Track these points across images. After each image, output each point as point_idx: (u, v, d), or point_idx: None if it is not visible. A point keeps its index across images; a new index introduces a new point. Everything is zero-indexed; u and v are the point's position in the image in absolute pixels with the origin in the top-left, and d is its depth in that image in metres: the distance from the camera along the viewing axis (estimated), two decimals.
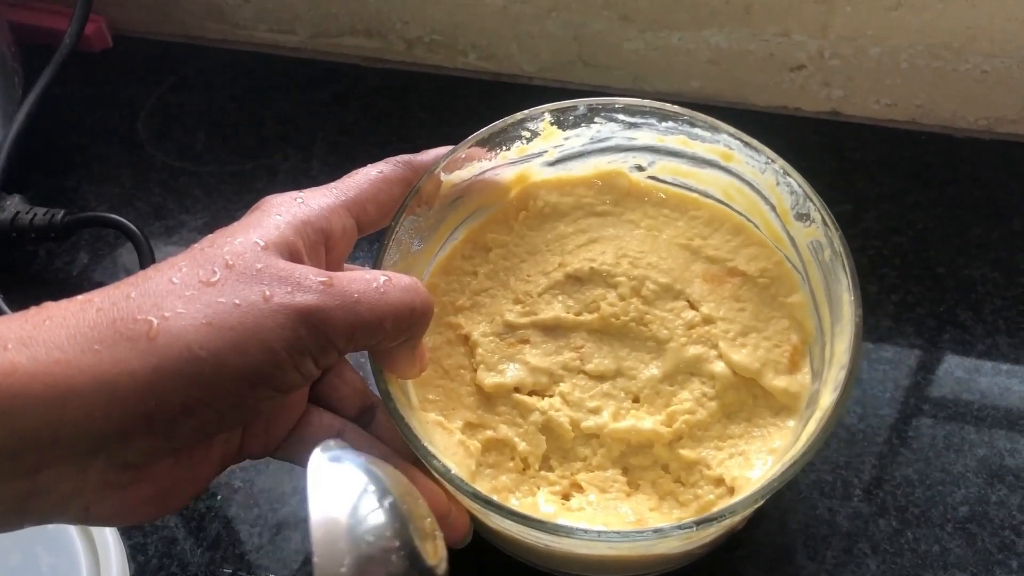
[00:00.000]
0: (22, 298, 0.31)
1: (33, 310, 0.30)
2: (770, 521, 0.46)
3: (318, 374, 0.33)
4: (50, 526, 0.43)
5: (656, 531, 0.35)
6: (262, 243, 0.33)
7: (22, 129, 0.57)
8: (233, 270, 0.32)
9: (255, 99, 0.66)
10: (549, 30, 0.63)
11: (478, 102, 0.66)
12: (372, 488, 0.31)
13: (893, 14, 0.57)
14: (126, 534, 0.46)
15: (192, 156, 0.63)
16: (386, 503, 0.31)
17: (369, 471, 0.32)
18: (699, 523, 0.34)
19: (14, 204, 0.55)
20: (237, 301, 0.31)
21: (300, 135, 0.63)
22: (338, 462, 0.32)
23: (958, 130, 0.62)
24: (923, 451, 0.48)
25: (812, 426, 0.36)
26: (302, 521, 0.46)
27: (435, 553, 0.33)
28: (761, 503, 0.37)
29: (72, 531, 0.43)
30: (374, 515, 0.30)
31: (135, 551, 0.45)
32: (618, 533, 0.35)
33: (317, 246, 0.35)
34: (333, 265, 0.37)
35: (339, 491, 0.30)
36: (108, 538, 0.43)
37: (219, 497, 0.47)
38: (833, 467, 0.47)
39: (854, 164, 0.60)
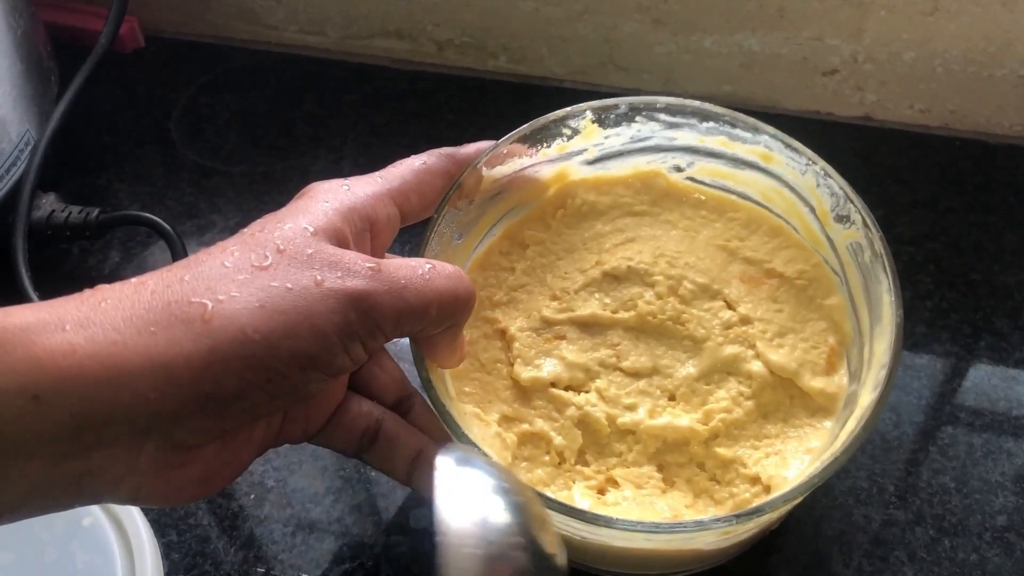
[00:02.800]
0: (56, 296, 0.31)
1: (88, 292, 0.30)
2: (805, 527, 0.45)
3: (366, 359, 0.34)
4: (85, 523, 0.44)
5: (696, 523, 0.35)
6: (311, 229, 0.33)
7: (57, 128, 0.57)
8: (284, 255, 0.32)
9: (286, 100, 0.66)
10: (580, 33, 0.63)
11: (508, 105, 0.65)
12: (496, 488, 0.31)
13: (929, 19, 0.57)
14: (160, 532, 0.46)
15: (223, 156, 0.63)
16: (510, 501, 0.31)
17: (490, 471, 0.32)
18: (739, 516, 0.35)
19: (49, 202, 0.55)
20: (289, 285, 0.31)
21: (331, 136, 0.64)
22: (465, 465, 0.32)
23: (992, 136, 0.62)
24: (959, 459, 0.48)
25: (852, 424, 0.37)
26: (335, 521, 0.46)
27: (552, 543, 0.33)
28: (799, 500, 0.36)
29: (107, 528, 0.43)
30: (501, 515, 0.31)
31: (169, 549, 0.46)
32: (657, 524, 0.35)
33: (363, 233, 0.36)
34: (376, 253, 0.37)
35: (466, 494, 0.30)
36: (143, 535, 0.43)
37: (252, 496, 0.47)
38: (868, 474, 0.47)
39: (887, 169, 0.60)
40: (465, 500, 0.30)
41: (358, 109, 0.65)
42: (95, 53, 0.59)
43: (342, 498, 0.47)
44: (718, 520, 0.35)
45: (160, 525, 0.46)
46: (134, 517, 0.44)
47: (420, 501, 0.46)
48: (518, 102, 0.66)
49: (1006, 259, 0.55)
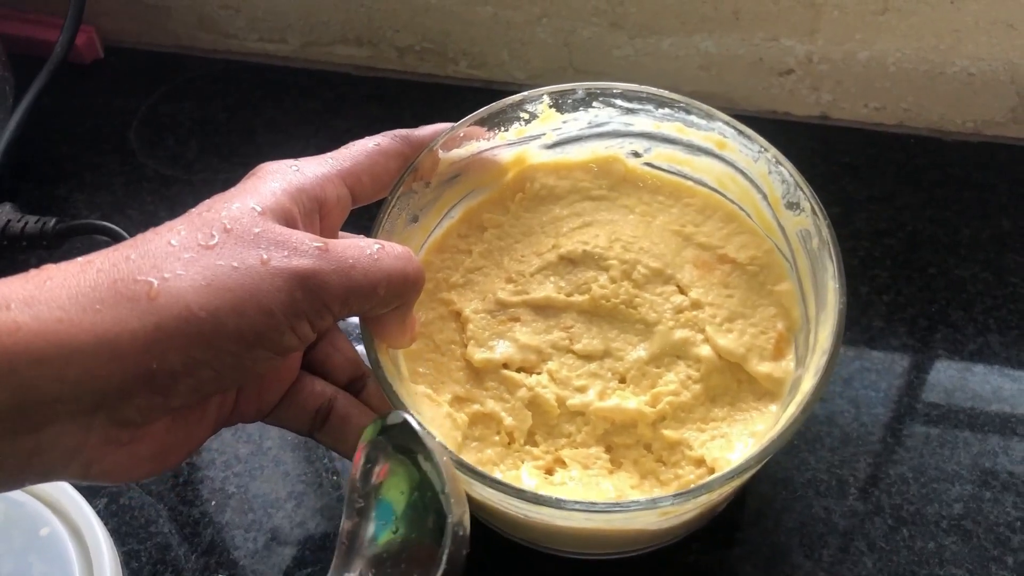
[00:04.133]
0: None
1: (33, 272, 0.30)
2: (766, 520, 0.46)
3: (313, 337, 0.34)
4: (43, 533, 0.43)
5: (632, 503, 0.35)
6: (259, 208, 0.34)
7: (13, 139, 0.57)
8: (231, 234, 0.32)
9: (247, 108, 0.66)
10: (539, 37, 0.64)
11: (469, 109, 0.64)
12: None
13: (880, 18, 0.58)
14: (119, 541, 0.45)
15: (184, 164, 0.63)
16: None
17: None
18: (676, 497, 0.35)
19: (5, 212, 0.55)
20: (235, 264, 0.31)
21: (292, 143, 0.63)
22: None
23: (946, 133, 0.63)
24: (917, 450, 0.48)
25: (792, 409, 0.37)
26: (297, 525, 0.46)
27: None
28: (738, 482, 0.37)
29: (66, 538, 0.43)
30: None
31: (129, 557, 0.45)
32: (594, 503, 0.35)
33: (312, 213, 0.36)
34: (327, 233, 0.37)
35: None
36: (102, 545, 0.43)
37: (213, 503, 0.47)
38: (828, 466, 0.48)
39: (843, 167, 0.61)
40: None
41: (320, 116, 0.65)
42: (51, 62, 0.59)
43: (304, 502, 0.47)
44: (653, 500, 0.35)
45: (120, 534, 0.46)
46: (93, 526, 0.43)
47: None
48: (480, 106, 0.65)
49: (961, 252, 0.56)
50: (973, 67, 0.59)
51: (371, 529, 0.34)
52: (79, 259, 0.31)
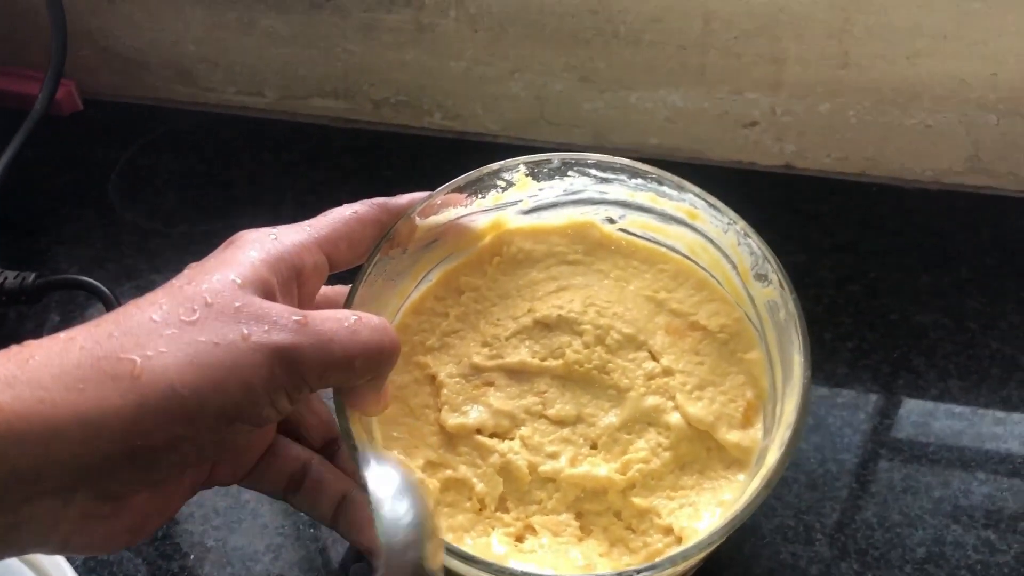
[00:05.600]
0: None
1: (15, 349, 0.31)
2: (736, 566, 0.47)
3: (291, 409, 0.34)
4: None
5: None
6: (239, 280, 0.34)
7: None
8: (212, 308, 0.33)
9: (224, 160, 0.67)
10: (512, 91, 0.65)
11: (444, 160, 0.67)
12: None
13: (841, 72, 0.60)
14: None
15: (162, 217, 0.63)
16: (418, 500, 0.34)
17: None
18: (640, 572, 0.35)
19: None
20: (216, 340, 0.32)
21: (269, 195, 0.65)
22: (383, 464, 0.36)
23: (907, 181, 0.65)
24: (882, 494, 0.49)
25: (756, 483, 0.37)
26: None
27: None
28: (701, 556, 0.37)
29: None
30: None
31: None
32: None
33: (289, 282, 0.37)
34: (305, 300, 0.38)
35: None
36: None
37: (192, 556, 0.47)
38: (795, 512, 0.49)
39: (808, 216, 0.63)
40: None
41: (296, 167, 0.66)
42: (31, 118, 0.60)
43: (282, 555, 0.47)
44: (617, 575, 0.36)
45: None
46: None
47: (359, 556, 0.47)
48: (454, 157, 0.67)
49: (922, 299, 0.58)
50: (930, 119, 0.61)
51: None
52: (61, 335, 0.31)
